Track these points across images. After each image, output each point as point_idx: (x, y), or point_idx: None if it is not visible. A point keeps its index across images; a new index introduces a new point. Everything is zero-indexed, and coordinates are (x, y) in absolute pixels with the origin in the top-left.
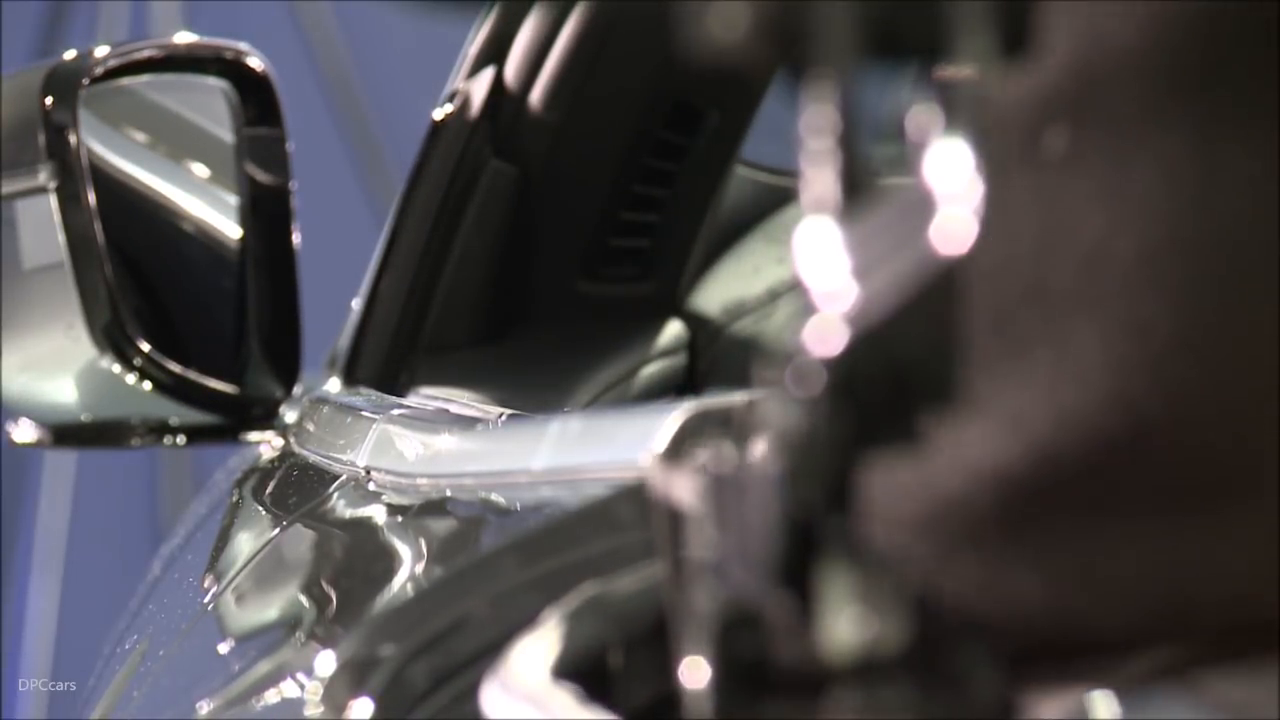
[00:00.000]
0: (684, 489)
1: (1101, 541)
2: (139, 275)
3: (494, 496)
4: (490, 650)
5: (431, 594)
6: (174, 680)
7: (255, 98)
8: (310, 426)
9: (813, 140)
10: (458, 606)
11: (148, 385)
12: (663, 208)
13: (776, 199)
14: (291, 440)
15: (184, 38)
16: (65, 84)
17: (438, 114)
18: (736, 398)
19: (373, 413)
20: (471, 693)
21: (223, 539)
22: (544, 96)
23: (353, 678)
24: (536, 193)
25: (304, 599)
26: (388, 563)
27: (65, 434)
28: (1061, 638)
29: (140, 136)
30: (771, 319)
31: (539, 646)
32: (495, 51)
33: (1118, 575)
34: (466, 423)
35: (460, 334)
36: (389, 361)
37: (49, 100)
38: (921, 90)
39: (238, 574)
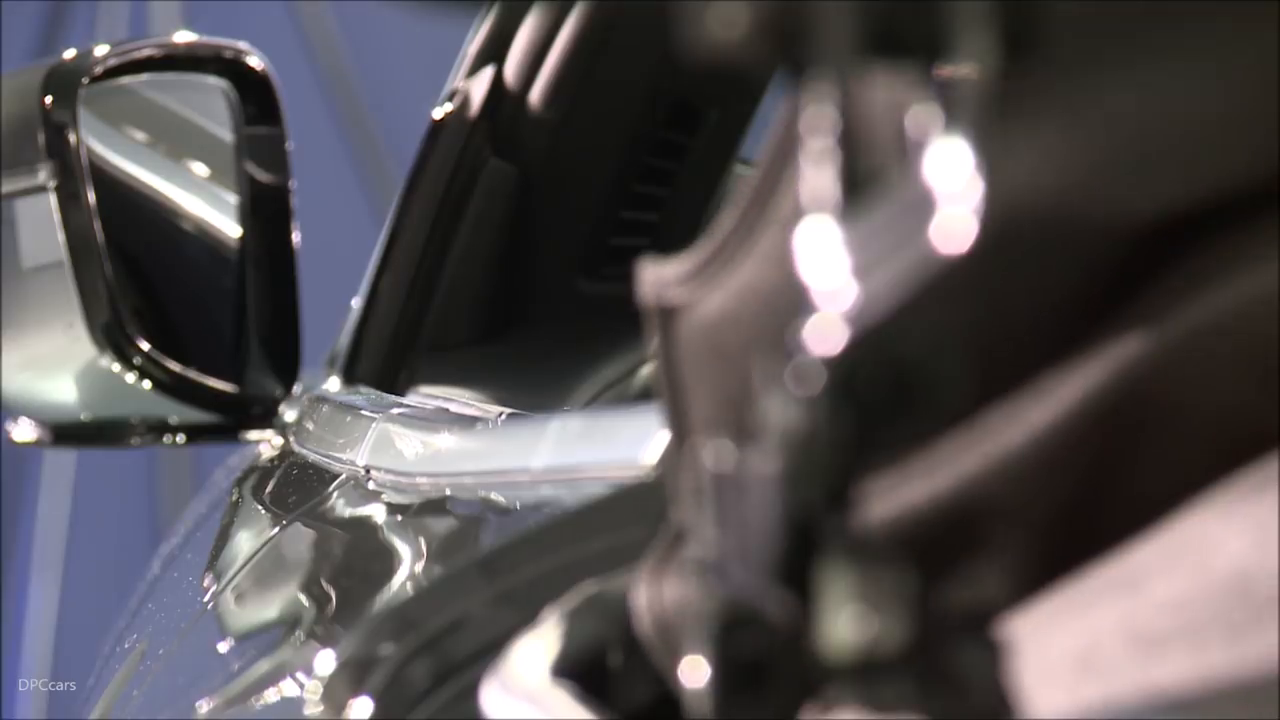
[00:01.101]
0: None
1: (1106, 91)
2: (139, 275)
3: (494, 495)
4: (489, 649)
5: (431, 593)
6: (173, 680)
7: (255, 97)
8: (310, 425)
9: (813, 140)
10: (457, 606)
11: (147, 384)
12: (663, 207)
13: None
14: (291, 439)
15: (183, 37)
16: (65, 83)
17: (437, 113)
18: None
19: (372, 411)
20: (471, 691)
21: (222, 538)
22: (543, 95)
23: (352, 677)
24: (536, 192)
25: (303, 598)
26: (387, 562)
27: (65, 433)
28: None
29: (140, 136)
30: None
31: (538, 645)
32: (495, 50)
33: (1120, 126)
34: (466, 422)
35: (460, 333)
36: (388, 360)
37: (49, 99)
38: (922, 90)
39: (237, 573)
